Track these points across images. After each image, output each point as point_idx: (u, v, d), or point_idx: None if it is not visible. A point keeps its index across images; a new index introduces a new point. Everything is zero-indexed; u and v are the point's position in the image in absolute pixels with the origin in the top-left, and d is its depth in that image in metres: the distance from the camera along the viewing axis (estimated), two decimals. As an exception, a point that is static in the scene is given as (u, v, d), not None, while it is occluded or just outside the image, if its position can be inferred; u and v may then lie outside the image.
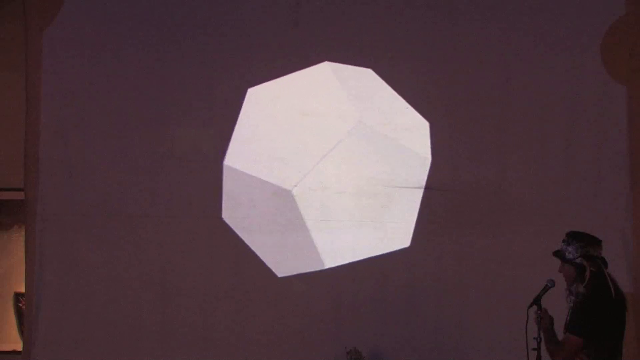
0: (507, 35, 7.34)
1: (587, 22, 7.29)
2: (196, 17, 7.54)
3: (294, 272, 7.37)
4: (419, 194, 7.32)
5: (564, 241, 5.44)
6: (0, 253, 8.37)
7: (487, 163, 7.32)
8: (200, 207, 7.45)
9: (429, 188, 7.32)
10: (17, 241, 8.20)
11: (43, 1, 7.57)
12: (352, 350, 7.11)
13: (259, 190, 7.40)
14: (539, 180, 7.27)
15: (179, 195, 7.48)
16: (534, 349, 5.32)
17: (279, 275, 7.37)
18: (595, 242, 5.41)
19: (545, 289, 5.42)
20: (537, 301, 5.38)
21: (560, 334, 5.37)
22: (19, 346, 7.77)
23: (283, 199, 7.37)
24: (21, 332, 7.88)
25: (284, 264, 7.38)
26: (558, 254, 5.45)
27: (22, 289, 7.66)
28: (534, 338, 5.34)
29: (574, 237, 5.42)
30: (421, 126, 7.36)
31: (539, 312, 5.35)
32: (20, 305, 8.02)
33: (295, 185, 7.37)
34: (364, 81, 7.42)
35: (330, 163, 7.38)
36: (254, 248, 7.39)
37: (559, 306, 5.46)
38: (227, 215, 7.41)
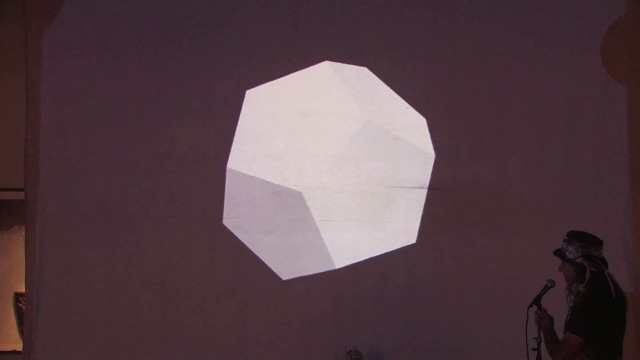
0: (507, 35, 7.34)
1: (587, 22, 7.29)
2: (196, 17, 7.54)
3: (304, 273, 7.37)
4: (420, 194, 7.32)
5: (564, 240, 5.44)
6: (0, 253, 8.37)
7: (487, 163, 7.32)
8: (200, 207, 7.44)
9: (428, 188, 7.32)
10: (17, 241, 8.20)
11: (43, 1, 7.56)
12: (352, 350, 7.11)
13: (259, 190, 7.40)
14: (539, 180, 7.27)
15: (179, 195, 7.47)
16: (534, 349, 5.32)
17: (284, 278, 7.36)
18: (596, 242, 5.41)
19: (545, 289, 5.42)
20: (537, 301, 5.38)
21: (560, 333, 5.37)
22: (19, 346, 7.77)
23: (283, 199, 7.37)
24: (21, 332, 7.88)
25: (287, 264, 7.38)
26: (558, 252, 5.45)
27: (22, 289, 7.66)
28: (534, 338, 5.34)
29: (575, 236, 5.42)
30: (421, 126, 7.36)
31: (539, 312, 5.35)
32: (20, 305, 8.02)
33: (302, 187, 7.38)
34: (365, 80, 7.42)
35: (342, 163, 7.36)
36: (254, 248, 7.39)
37: (559, 306, 5.46)
38: (227, 215, 7.41)
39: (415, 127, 7.36)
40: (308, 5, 7.48)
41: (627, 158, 7.22)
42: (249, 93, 7.46)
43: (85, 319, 7.44)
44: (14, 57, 8.02)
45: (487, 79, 7.35)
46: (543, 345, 5.34)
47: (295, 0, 7.49)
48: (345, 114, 7.40)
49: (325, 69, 7.46)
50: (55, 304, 7.46)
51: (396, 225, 7.33)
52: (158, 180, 7.49)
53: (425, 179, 7.33)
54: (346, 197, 7.36)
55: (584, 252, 5.35)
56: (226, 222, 7.41)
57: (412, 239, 7.31)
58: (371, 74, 7.40)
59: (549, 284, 5.44)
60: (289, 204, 7.38)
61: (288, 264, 7.38)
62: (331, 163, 7.38)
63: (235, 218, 7.41)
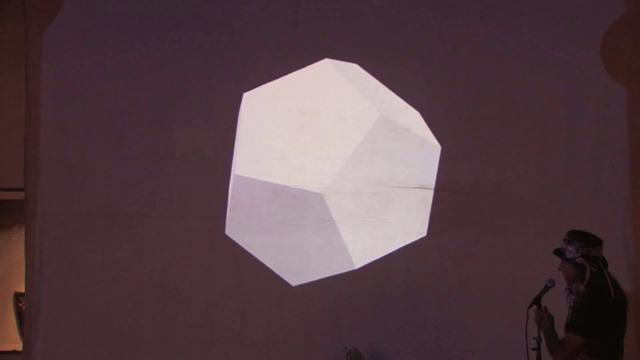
0: (507, 35, 7.34)
1: (587, 22, 7.29)
2: (196, 17, 7.54)
3: (304, 273, 7.36)
4: (420, 194, 7.32)
5: (564, 240, 5.44)
6: (0, 253, 8.36)
7: (487, 163, 7.33)
8: (200, 207, 7.44)
9: (429, 188, 7.32)
10: (17, 241, 8.20)
11: (43, 1, 7.55)
12: (352, 350, 7.11)
13: (259, 190, 7.40)
14: (539, 180, 7.28)
15: (179, 195, 7.47)
16: (534, 349, 5.33)
17: (284, 278, 7.36)
18: (596, 241, 5.41)
19: (545, 289, 5.42)
20: (537, 301, 5.38)
21: (561, 333, 5.37)
22: (19, 346, 7.77)
23: (283, 199, 7.37)
24: (21, 332, 7.88)
25: (287, 264, 7.38)
26: (558, 252, 5.46)
27: (22, 289, 7.65)
28: (534, 338, 5.34)
29: (575, 236, 5.42)
30: (421, 125, 7.36)
31: (539, 312, 5.35)
32: (20, 305, 8.02)
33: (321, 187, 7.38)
34: (365, 80, 7.43)
35: (358, 164, 7.36)
36: (254, 248, 7.39)
37: (559, 306, 5.46)
38: (227, 215, 7.41)
39: (415, 127, 7.36)
40: (308, 5, 7.48)
41: (627, 158, 7.23)
42: (247, 95, 7.45)
43: (85, 319, 7.44)
44: (14, 57, 8.01)
45: (487, 78, 7.35)
46: (543, 345, 5.34)
47: (295, 0, 7.49)
48: (345, 114, 7.40)
49: (326, 68, 7.45)
50: (55, 304, 7.46)
51: (399, 225, 7.32)
52: (158, 180, 7.49)
53: (426, 178, 7.33)
54: (346, 197, 7.35)
55: (584, 252, 5.36)
56: (226, 222, 7.41)
57: (414, 238, 7.30)
58: (360, 69, 7.41)
59: (548, 284, 5.44)
60: (289, 204, 7.37)
61: (288, 264, 7.38)
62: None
63: (235, 218, 7.41)
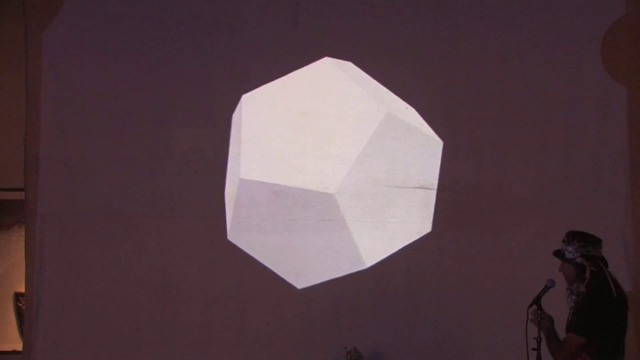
0: (507, 35, 7.34)
1: (587, 22, 7.29)
2: (196, 17, 7.54)
3: (305, 274, 7.36)
4: (420, 194, 7.33)
5: (564, 241, 5.44)
6: (0, 253, 8.36)
7: (487, 163, 7.32)
8: (200, 207, 7.44)
9: (430, 188, 7.32)
10: (17, 241, 8.20)
11: (43, 1, 7.56)
12: (352, 350, 7.11)
13: (259, 190, 7.40)
14: (539, 180, 7.28)
15: (179, 195, 7.47)
16: (534, 349, 5.32)
17: (284, 278, 7.36)
18: (595, 241, 5.41)
19: (545, 289, 5.42)
20: (537, 301, 5.38)
21: (561, 333, 5.37)
22: (19, 346, 7.77)
23: (283, 198, 7.37)
24: (21, 332, 7.88)
25: (287, 264, 7.37)
26: (558, 253, 5.45)
27: (22, 289, 7.65)
28: (534, 338, 5.34)
29: (574, 236, 5.42)
30: (422, 126, 7.37)
31: (539, 312, 5.35)
32: (20, 305, 8.02)
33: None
34: (365, 79, 7.44)
35: (361, 164, 7.36)
36: (254, 248, 7.39)
37: (559, 306, 5.46)
38: (227, 215, 7.41)
39: (415, 127, 7.36)
40: (308, 5, 7.48)
41: (627, 158, 7.23)
42: (246, 97, 7.45)
43: (85, 319, 7.44)
44: (14, 57, 8.01)
45: (487, 78, 7.35)
46: (543, 345, 5.34)
47: (295, 0, 7.49)
48: (345, 114, 7.39)
49: (326, 67, 7.45)
50: (55, 304, 7.46)
51: (402, 225, 7.32)
52: (158, 180, 7.49)
53: (426, 178, 7.33)
54: (347, 197, 7.35)
55: (583, 252, 5.36)
56: (226, 222, 7.41)
57: (415, 237, 7.31)
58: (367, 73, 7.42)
59: (548, 284, 5.44)
60: (289, 204, 7.37)
61: (288, 264, 7.38)
62: (332, 163, 7.37)
63: (235, 218, 7.40)
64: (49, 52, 7.54)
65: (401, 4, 7.44)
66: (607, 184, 7.22)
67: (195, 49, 7.52)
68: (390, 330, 7.28)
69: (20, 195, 7.66)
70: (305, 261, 7.37)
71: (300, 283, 7.37)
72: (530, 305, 5.38)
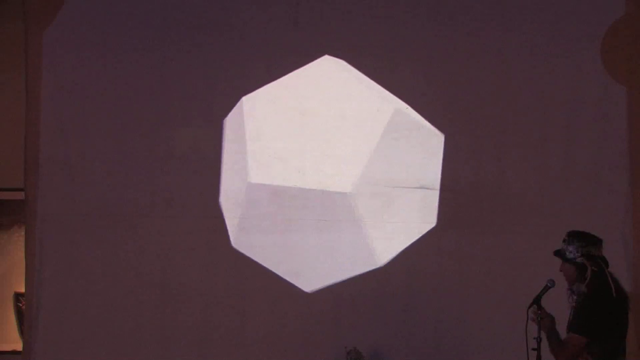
0: (506, 35, 7.34)
1: (587, 22, 7.28)
2: (196, 18, 7.54)
3: (305, 274, 7.36)
4: (420, 194, 7.33)
5: (564, 241, 5.44)
6: (0, 253, 8.36)
7: (487, 163, 7.32)
8: (200, 207, 7.44)
9: (427, 188, 7.32)
10: (17, 241, 8.20)
11: (43, 1, 7.56)
12: (352, 350, 7.11)
13: (259, 190, 7.40)
14: (539, 180, 7.27)
15: (179, 195, 7.47)
16: (534, 349, 5.32)
17: (285, 278, 7.36)
18: (596, 241, 5.41)
19: (545, 289, 5.42)
20: (537, 301, 5.37)
21: (562, 334, 5.37)
22: (19, 346, 7.77)
23: (283, 199, 7.37)
24: (21, 332, 7.88)
25: (287, 264, 7.37)
26: (559, 253, 5.45)
27: (22, 289, 7.66)
28: (534, 338, 5.33)
29: (574, 236, 5.41)
30: (422, 127, 7.37)
31: (539, 312, 5.35)
32: (20, 305, 8.02)
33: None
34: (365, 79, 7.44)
35: (368, 162, 7.35)
36: (254, 248, 7.39)
37: (559, 306, 5.46)
38: (227, 215, 7.41)
39: (416, 127, 7.36)
40: (308, 5, 7.48)
41: (627, 158, 7.22)
42: (245, 98, 7.45)
43: (85, 319, 7.45)
44: (14, 57, 8.02)
45: (487, 79, 7.35)
46: (543, 345, 5.34)
47: (295, 0, 7.49)
48: (345, 113, 7.39)
49: (326, 67, 7.45)
50: (55, 304, 7.46)
51: (402, 225, 7.32)
52: (158, 180, 7.50)
53: (426, 178, 7.33)
54: (347, 197, 7.35)
55: (584, 252, 5.35)
56: (226, 222, 7.41)
57: (414, 238, 7.31)
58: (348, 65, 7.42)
59: (549, 284, 5.43)
60: (289, 204, 7.37)
61: (288, 264, 7.38)
62: (331, 163, 7.37)
63: (235, 218, 7.41)
64: (49, 52, 7.55)
65: (401, 4, 7.44)
66: (607, 184, 7.22)
67: (195, 49, 7.52)
68: (390, 330, 7.28)
69: (20, 195, 7.67)
70: (305, 261, 7.37)
71: (300, 283, 7.36)
72: (531, 305, 5.37)
